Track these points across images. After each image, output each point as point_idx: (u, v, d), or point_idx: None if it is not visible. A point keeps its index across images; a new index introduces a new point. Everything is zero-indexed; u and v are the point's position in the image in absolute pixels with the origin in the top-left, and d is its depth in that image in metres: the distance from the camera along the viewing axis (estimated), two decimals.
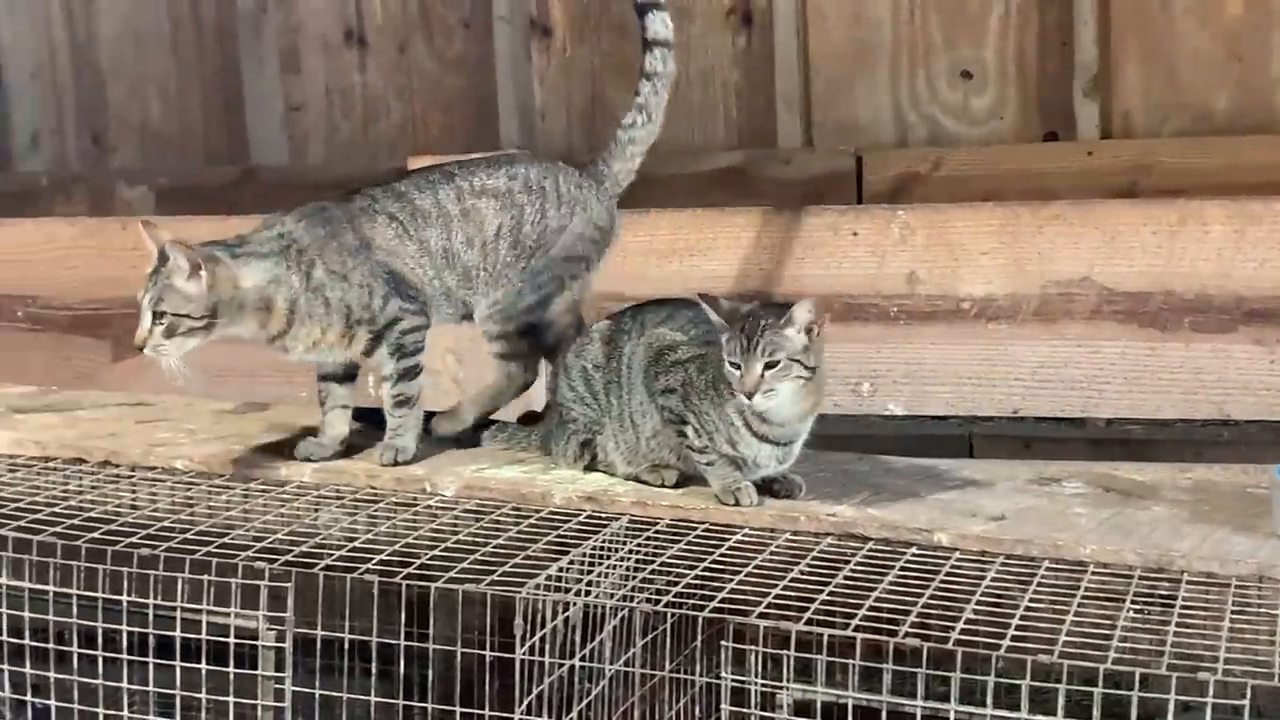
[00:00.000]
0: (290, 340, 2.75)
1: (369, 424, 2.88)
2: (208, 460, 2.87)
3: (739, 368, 2.43)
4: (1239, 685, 1.92)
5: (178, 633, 2.46)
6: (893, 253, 3.69)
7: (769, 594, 2.20)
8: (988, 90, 4.05)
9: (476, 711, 2.32)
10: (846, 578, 2.27)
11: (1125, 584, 2.25)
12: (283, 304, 2.71)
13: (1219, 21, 3.82)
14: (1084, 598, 2.20)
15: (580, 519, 2.55)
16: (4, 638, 2.58)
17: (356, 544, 2.46)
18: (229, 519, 2.62)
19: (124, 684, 2.54)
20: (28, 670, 2.60)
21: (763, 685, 2.14)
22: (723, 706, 2.17)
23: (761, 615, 2.12)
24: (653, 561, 2.40)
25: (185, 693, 2.49)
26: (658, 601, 2.28)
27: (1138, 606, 2.19)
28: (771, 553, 2.39)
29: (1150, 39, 3.88)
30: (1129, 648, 2.04)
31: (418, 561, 2.36)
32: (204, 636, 2.45)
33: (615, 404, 2.67)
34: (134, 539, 2.45)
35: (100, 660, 2.53)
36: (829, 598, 2.18)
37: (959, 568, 2.32)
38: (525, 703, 2.22)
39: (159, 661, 2.50)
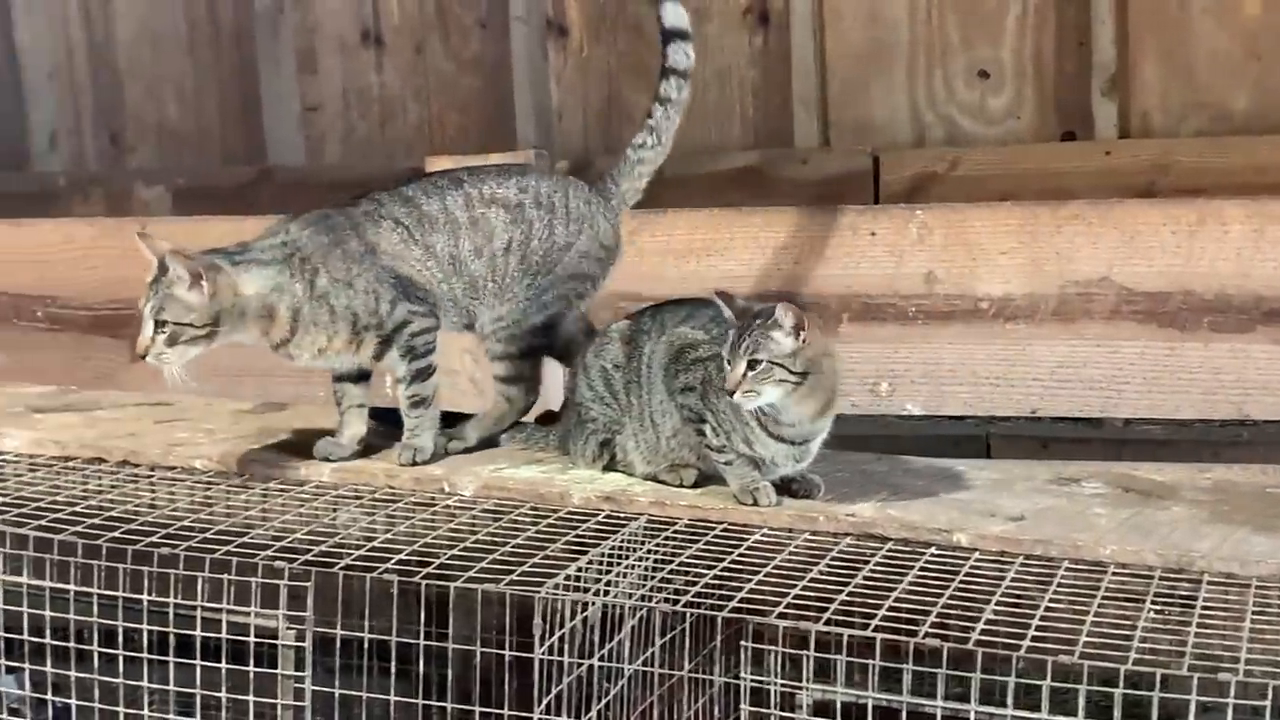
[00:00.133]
0: (294, 348, 2.75)
1: (387, 424, 2.89)
2: (226, 460, 2.87)
3: (730, 365, 2.44)
4: (1260, 686, 1.91)
5: (198, 632, 2.47)
6: (911, 252, 3.68)
7: (788, 594, 2.20)
8: (1005, 90, 4.04)
9: (495, 711, 2.33)
10: (866, 578, 2.26)
11: (1145, 584, 2.25)
12: (285, 312, 2.71)
13: (1237, 21, 3.81)
14: (1104, 598, 2.20)
15: (599, 519, 2.56)
16: (26, 636, 2.59)
17: (375, 544, 2.47)
18: (248, 518, 2.63)
19: (144, 683, 2.56)
20: (49, 669, 2.61)
21: (782, 685, 2.14)
22: (742, 706, 2.17)
23: (781, 615, 2.12)
24: (671, 561, 2.40)
25: (205, 691, 2.50)
26: (676, 601, 2.28)
27: (1158, 607, 2.18)
28: (790, 553, 2.39)
29: (1168, 38, 3.87)
30: (1149, 648, 2.03)
31: (437, 561, 2.36)
32: (224, 636, 2.46)
33: (635, 403, 2.68)
34: (154, 538, 2.46)
35: (121, 659, 2.54)
36: (848, 598, 2.18)
37: (978, 568, 2.32)
38: (544, 702, 2.22)
39: (179, 660, 2.51)
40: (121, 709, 2.54)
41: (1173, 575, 2.28)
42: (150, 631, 2.51)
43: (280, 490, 2.75)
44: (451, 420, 2.93)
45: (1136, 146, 3.86)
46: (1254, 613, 2.14)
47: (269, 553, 2.40)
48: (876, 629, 2.08)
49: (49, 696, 2.65)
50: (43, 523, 2.54)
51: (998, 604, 2.16)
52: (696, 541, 2.45)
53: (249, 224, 3.24)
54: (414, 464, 2.79)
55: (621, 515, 2.57)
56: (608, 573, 2.35)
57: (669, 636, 2.42)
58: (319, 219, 2.78)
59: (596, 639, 2.30)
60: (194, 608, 2.45)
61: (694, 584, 2.28)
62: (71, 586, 2.50)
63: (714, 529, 2.50)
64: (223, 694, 2.50)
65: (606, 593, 2.31)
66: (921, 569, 2.31)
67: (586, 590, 2.29)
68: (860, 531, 2.47)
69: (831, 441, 2.61)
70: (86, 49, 5.10)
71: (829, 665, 2.11)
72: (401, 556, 2.37)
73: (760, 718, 2.16)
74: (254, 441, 2.97)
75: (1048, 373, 3.63)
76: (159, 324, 2.61)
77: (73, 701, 2.60)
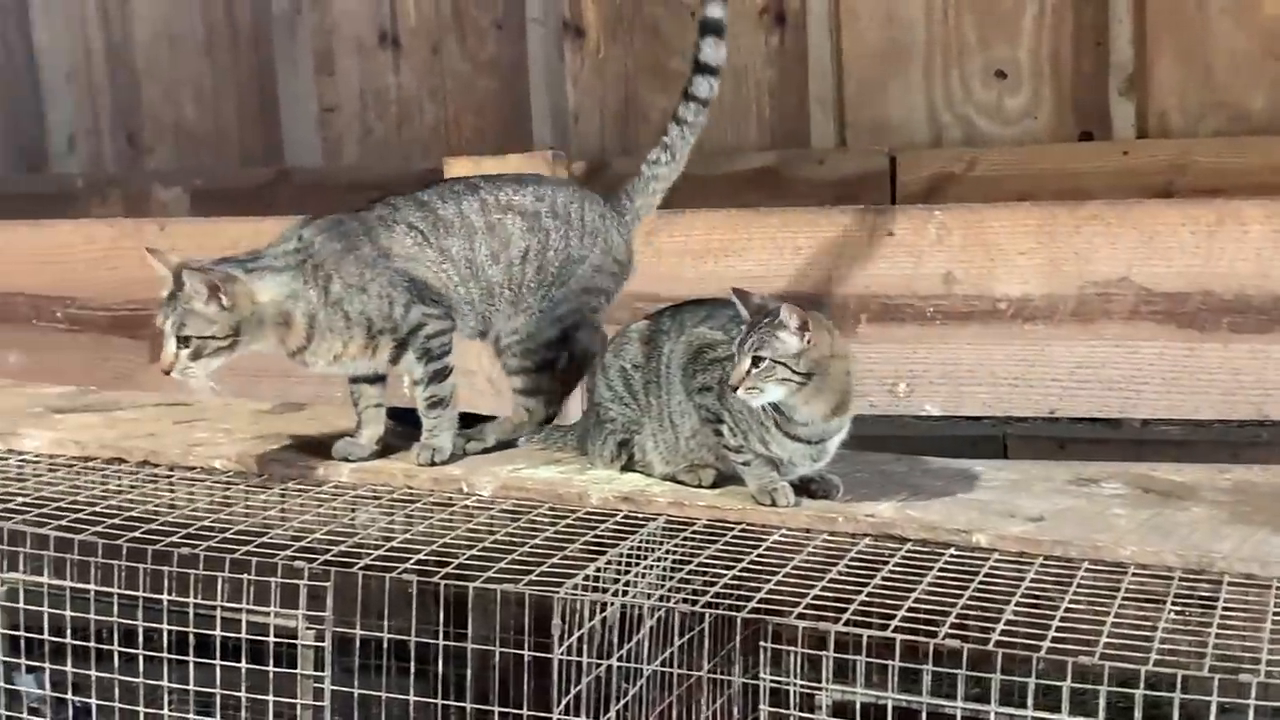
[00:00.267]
0: (310, 355, 2.74)
1: (405, 424, 2.89)
2: (245, 460, 2.88)
3: (736, 360, 2.45)
4: None
5: (217, 632, 2.47)
6: (929, 253, 3.67)
7: (807, 595, 2.20)
8: (1022, 90, 4.03)
9: (514, 711, 2.33)
10: (885, 579, 2.26)
11: (1165, 585, 2.24)
12: (301, 319, 2.71)
13: (1256, 20, 3.80)
14: (1124, 599, 2.19)
15: (617, 519, 2.56)
16: (46, 636, 2.60)
17: (394, 544, 2.47)
18: (267, 519, 2.64)
19: (164, 682, 2.57)
20: (69, 669, 2.62)
21: (801, 686, 2.14)
22: (761, 707, 2.17)
23: (800, 616, 2.12)
24: (690, 562, 2.40)
25: (225, 691, 2.51)
26: (695, 602, 2.28)
27: (1178, 608, 2.18)
28: (809, 553, 2.39)
29: (1186, 38, 3.86)
30: (1169, 649, 2.03)
31: (455, 561, 2.36)
32: (243, 635, 2.47)
33: (654, 404, 2.68)
34: (174, 538, 2.47)
35: (141, 659, 2.55)
36: (867, 599, 2.18)
37: (998, 569, 2.32)
38: (563, 702, 2.23)
39: (199, 660, 2.52)
40: (141, 708, 2.55)
41: (1193, 576, 2.28)
42: (170, 631, 2.52)
43: (299, 490, 2.75)
44: (470, 422, 2.94)
45: (1154, 147, 3.86)
46: (1275, 614, 2.14)
47: (288, 553, 2.41)
48: (896, 630, 2.08)
49: (69, 696, 2.66)
50: (63, 523, 2.55)
51: (1017, 605, 2.16)
52: (715, 542, 2.45)
53: (266, 225, 3.25)
54: (432, 464, 2.79)
55: (640, 516, 2.57)
56: (626, 573, 2.35)
57: (688, 637, 2.42)
58: (332, 224, 2.78)
59: (615, 639, 2.30)
60: (214, 608, 2.45)
61: (712, 584, 2.28)
62: (92, 586, 2.50)
63: (732, 529, 2.50)
64: (242, 694, 2.50)
65: (625, 593, 2.31)
66: (941, 570, 2.30)
67: (605, 590, 2.30)
68: (879, 532, 2.47)
69: (850, 442, 2.61)
70: (105, 50, 5.12)
71: (848, 666, 2.11)
72: (420, 557, 2.38)
73: (779, 718, 2.16)
74: (273, 442, 2.97)
75: (1066, 373, 3.61)
76: (182, 339, 2.61)
77: (93, 701, 2.61)
